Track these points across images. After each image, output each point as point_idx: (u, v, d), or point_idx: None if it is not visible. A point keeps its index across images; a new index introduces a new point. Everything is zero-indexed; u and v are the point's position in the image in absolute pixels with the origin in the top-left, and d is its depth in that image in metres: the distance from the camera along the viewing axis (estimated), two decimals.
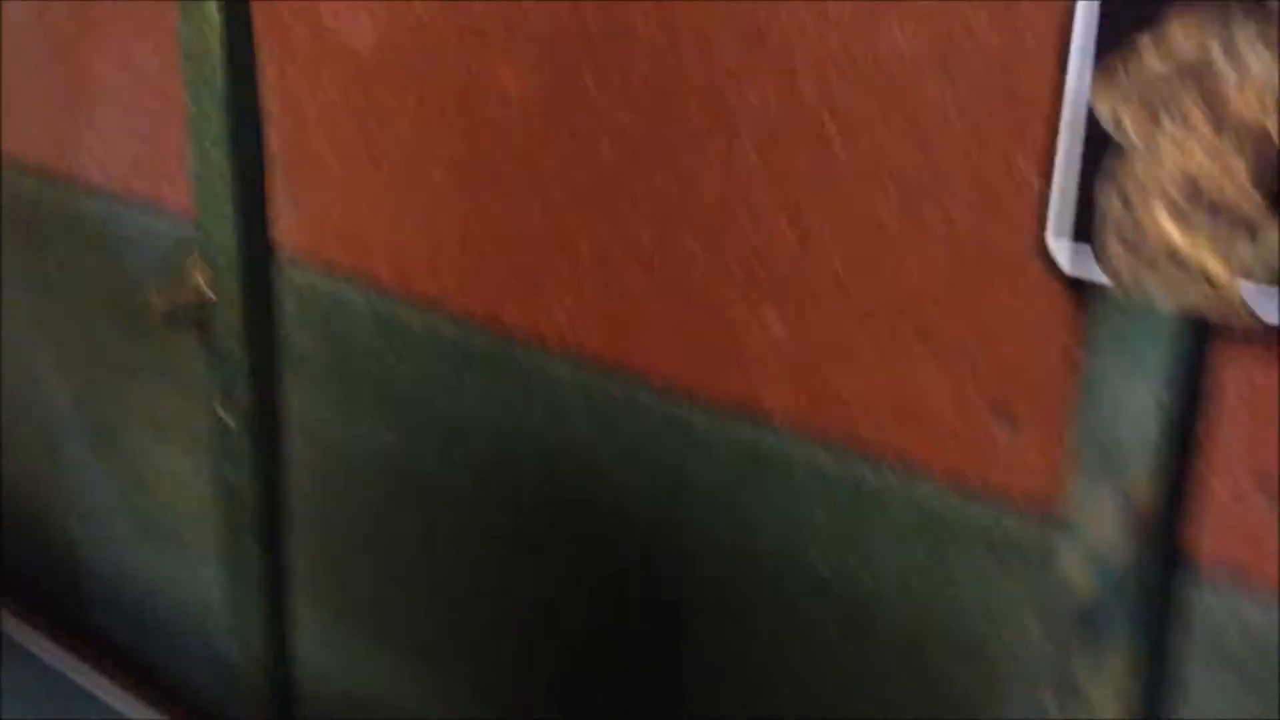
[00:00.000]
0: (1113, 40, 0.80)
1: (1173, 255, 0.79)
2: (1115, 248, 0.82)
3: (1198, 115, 0.77)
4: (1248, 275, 0.77)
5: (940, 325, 0.93)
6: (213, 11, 1.08)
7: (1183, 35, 0.77)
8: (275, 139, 1.17)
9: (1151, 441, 0.82)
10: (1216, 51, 0.76)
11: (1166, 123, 0.79)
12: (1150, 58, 0.78)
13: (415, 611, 1.26)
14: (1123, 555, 0.85)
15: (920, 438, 0.95)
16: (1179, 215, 0.79)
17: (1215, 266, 0.78)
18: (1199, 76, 0.77)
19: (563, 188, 1.03)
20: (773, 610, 1.02)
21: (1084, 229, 0.84)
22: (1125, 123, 0.80)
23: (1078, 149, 0.83)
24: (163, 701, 1.53)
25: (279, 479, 1.33)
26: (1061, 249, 0.85)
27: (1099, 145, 0.82)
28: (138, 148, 1.25)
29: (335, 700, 1.35)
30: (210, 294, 1.24)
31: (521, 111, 1.02)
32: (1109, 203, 0.82)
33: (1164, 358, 0.81)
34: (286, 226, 1.20)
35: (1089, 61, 0.81)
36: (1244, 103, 0.75)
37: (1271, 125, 0.75)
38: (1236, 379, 0.80)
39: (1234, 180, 0.76)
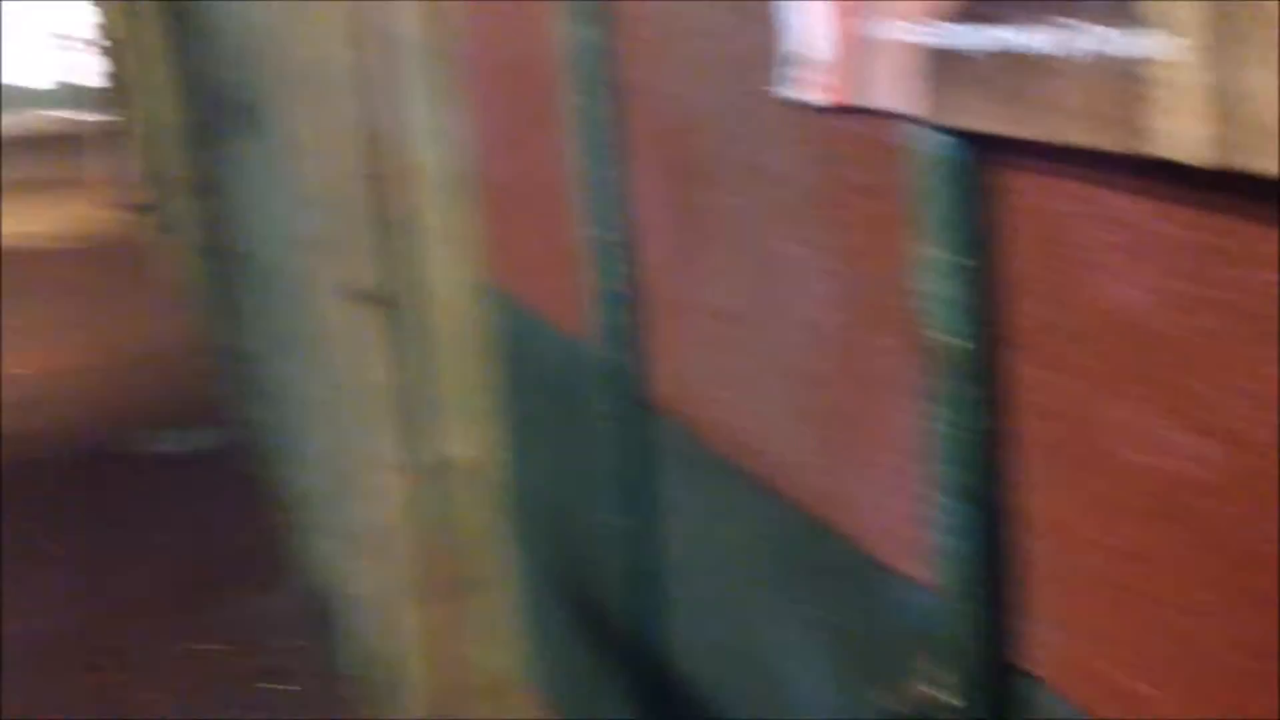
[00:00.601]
0: None
1: None
2: None
3: None
4: None
5: None
6: (971, 410, 0.97)
7: None
8: (1029, 546, 1.01)
9: None
10: None
11: None
12: None
13: None
14: None
15: None
16: None
17: None
18: None
19: None
20: None
21: None
22: None
23: None
24: None
25: None
26: None
27: None
28: (885, 508, 1.15)
29: None
30: (944, 698, 1.08)
31: None
32: None
33: None
34: (1036, 645, 1.03)
35: None
36: None
37: None
38: None
39: None
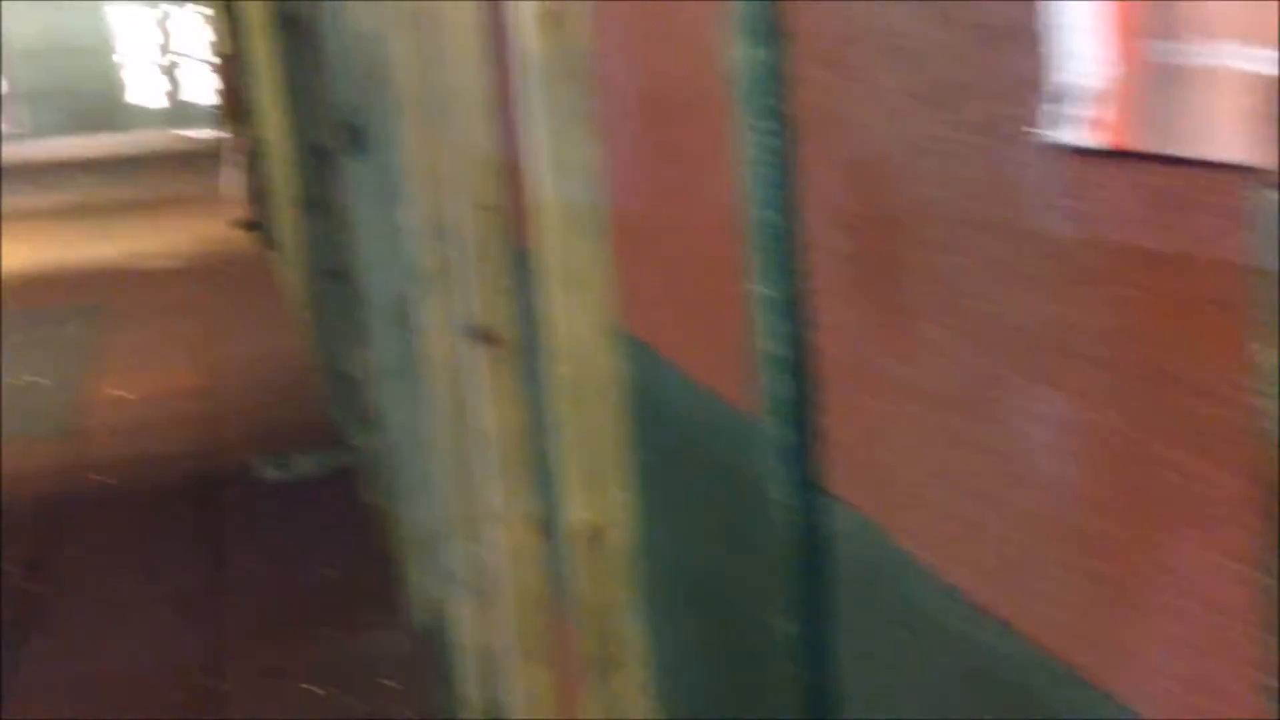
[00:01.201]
0: None
1: None
2: None
3: None
4: None
5: None
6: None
7: None
8: None
9: None
10: None
11: None
12: None
13: None
14: None
15: None
16: None
17: None
18: None
19: None
20: None
21: None
22: None
23: None
24: None
25: None
26: None
27: None
28: (1162, 664, 0.91)
29: None
30: None
31: None
32: None
33: None
34: None
35: None
36: None
37: None
38: None
39: None
